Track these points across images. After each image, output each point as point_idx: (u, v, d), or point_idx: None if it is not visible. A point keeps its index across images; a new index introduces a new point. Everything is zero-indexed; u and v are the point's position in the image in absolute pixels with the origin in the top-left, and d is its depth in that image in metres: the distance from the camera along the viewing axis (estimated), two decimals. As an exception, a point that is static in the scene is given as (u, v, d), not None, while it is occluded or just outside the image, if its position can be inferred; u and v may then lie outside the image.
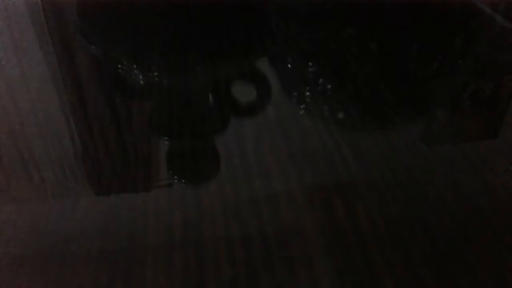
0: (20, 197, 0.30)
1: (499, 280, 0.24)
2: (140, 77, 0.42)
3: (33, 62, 0.42)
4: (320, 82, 0.40)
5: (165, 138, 0.35)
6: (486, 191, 0.29)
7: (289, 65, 0.43)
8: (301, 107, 0.38)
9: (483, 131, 0.36)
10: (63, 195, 0.30)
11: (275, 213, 0.28)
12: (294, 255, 0.25)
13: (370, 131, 0.35)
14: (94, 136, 0.35)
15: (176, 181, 0.31)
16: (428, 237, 0.26)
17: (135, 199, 0.29)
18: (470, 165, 0.32)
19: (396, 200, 0.29)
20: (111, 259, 0.25)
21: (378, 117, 0.36)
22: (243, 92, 0.40)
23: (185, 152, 0.33)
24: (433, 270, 0.25)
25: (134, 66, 0.43)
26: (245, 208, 0.28)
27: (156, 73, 0.41)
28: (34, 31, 0.48)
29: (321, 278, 0.24)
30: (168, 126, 0.35)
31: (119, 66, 0.44)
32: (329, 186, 0.30)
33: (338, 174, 0.30)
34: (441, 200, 0.29)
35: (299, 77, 0.41)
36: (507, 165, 0.31)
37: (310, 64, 0.43)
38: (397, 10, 0.49)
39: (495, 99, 0.39)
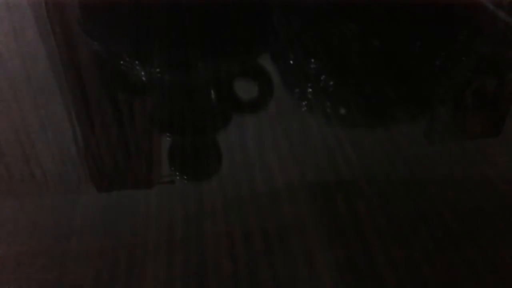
0: (21, 192, 0.30)
1: (500, 276, 0.24)
2: (142, 73, 0.42)
3: (35, 58, 0.42)
4: (322, 78, 0.40)
5: (167, 134, 0.35)
6: (488, 188, 0.29)
7: (291, 62, 0.43)
8: (303, 103, 0.38)
9: (485, 128, 0.36)
10: (64, 191, 0.30)
11: (276, 209, 0.28)
12: (295, 251, 0.25)
13: (372, 128, 0.35)
14: (95, 132, 0.35)
15: (177, 177, 0.31)
16: (430, 234, 0.26)
17: (137, 195, 0.29)
18: (472, 162, 0.31)
19: (397, 197, 0.29)
20: (112, 255, 0.25)
21: (380, 114, 0.36)
22: (245, 89, 0.39)
23: (187, 148, 0.33)
24: (435, 267, 0.25)
25: (136, 62, 0.43)
26: (246, 204, 0.28)
27: (158, 69, 0.41)
28: (37, 27, 0.48)
29: (322, 274, 0.24)
30: (170, 122, 0.35)
31: (121, 62, 0.44)
32: (331, 183, 0.30)
33: (340, 171, 0.30)
34: (443, 197, 0.29)
35: (301, 74, 0.40)
36: (510, 162, 0.31)
37: (312, 60, 0.42)
38: (399, 7, 0.49)
39: (498, 97, 0.39)
